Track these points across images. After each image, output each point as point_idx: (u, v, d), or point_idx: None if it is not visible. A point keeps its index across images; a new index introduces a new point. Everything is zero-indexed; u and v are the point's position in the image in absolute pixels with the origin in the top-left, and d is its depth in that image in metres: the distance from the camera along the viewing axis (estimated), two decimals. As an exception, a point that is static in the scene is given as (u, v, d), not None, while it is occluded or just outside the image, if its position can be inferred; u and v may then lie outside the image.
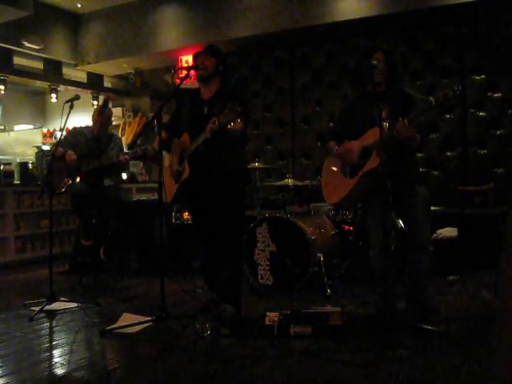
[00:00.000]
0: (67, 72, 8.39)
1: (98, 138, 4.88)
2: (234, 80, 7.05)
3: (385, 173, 2.96)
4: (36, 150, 6.99)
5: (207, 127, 3.21)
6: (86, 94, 8.31)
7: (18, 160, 7.26)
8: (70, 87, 8.31)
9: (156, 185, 3.34)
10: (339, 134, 3.51)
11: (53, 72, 8.02)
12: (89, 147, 4.82)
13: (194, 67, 3.47)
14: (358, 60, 3.38)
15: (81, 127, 5.18)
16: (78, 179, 4.75)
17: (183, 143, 3.54)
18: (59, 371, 2.68)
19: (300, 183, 4.85)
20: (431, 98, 2.93)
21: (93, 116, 4.94)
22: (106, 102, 5.14)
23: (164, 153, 3.64)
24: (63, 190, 4.72)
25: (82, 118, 5.10)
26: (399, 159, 3.19)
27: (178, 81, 7.03)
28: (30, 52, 7.35)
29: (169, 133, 3.66)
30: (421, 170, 3.52)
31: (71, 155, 4.70)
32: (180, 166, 3.55)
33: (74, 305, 3.95)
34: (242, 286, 3.66)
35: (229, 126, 3.12)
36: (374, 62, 3.13)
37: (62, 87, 8.27)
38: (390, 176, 2.98)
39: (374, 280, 3.40)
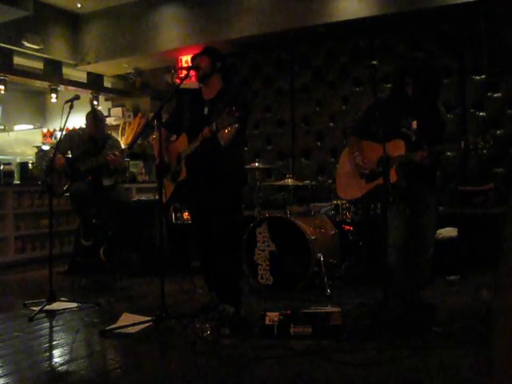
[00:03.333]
0: (67, 72, 8.39)
1: (93, 139, 4.89)
2: (236, 80, 7.05)
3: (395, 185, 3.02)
4: (36, 150, 6.98)
5: (203, 132, 3.23)
6: (85, 94, 8.31)
7: (18, 160, 7.26)
8: (69, 87, 8.31)
9: (156, 185, 3.35)
10: (361, 129, 3.53)
11: (53, 72, 8.01)
12: (85, 147, 4.84)
13: (193, 67, 3.48)
14: (394, 77, 3.36)
15: (77, 128, 5.21)
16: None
17: (181, 143, 3.54)
18: (59, 371, 2.67)
19: (300, 183, 4.85)
20: (462, 142, 2.99)
21: (86, 121, 4.95)
22: (93, 106, 5.13)
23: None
24: (62, 192, 4.75)
25: (81, 118, 5.11)
26: (415, 175, 3.24)
27: (178, 81, 7.03)
28: (30, 52, 7.34)
29: (168, 130, 3.68)
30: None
31: (60, 159, 4.73)
32: (177, 166, 3.55)
33: (74, 305, 3.95)
34: (242, 286, 3.66)
35: (226, 131, 3.11)
36: (374, 63, 3.14)
37: (61, 87, 8.26)
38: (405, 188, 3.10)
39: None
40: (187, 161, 3.46)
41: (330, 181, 5.03)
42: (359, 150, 3.46)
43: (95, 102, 8.50)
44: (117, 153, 4.52)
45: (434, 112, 3.29)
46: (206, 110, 3.47)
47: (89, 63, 7.93)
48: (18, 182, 6.42)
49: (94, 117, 4.90)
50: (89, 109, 5.21)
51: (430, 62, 3.37)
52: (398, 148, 3.17)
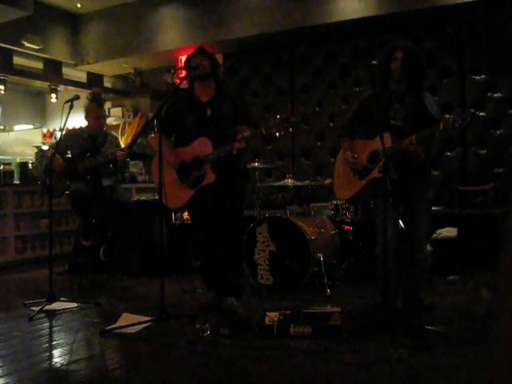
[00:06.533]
0: (67, 72, 8.39)
1: (93, 137, 4.86)
2: (235, 80, 7.06)
3: (389, 180, 3.00)
4: (36, 150, 6.97)
5: (235, 144, 3.32)
6: (85, 94, 8.29)
7: (18, 160, 7.25)
8: (69, 87, 8.30)
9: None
10: (352, 129, 3.55)
11: (53, 72, 8.01)
12: (84, 146, 4.81)
13: (194, 67, 3.47)
14: (381, 57, 3.36)
15: (77, 128, 5.19)
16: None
17: (198, 148, 3.52)
18: (59, 371, 2.67)
19: (300, 183, 4.85)
20: (441, 123, 2.99)
21: (87, 115, 4.90)
22: (94, 97, 4.99)
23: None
24: (61, 193, 4.74)
25: (81, 118, 5.10)
26: (405, 167, 3.23)
27: (177, 81, 7.03)
28: (29, 52, 7.33)
29: (165, 133, 3.67)
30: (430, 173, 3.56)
31: (58, 159, 4.68)
32: (198, 171, 3.53)
33: (73, 305, 3.95)
34: (243, 284, 3.68)
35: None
36: (374, 63, 3.14)
37: (61, 87, 8.25)
38: (397, 182, 3.06)
39: (377, 277, 3.43)
40: (213, 166, 3.47)
41: (328, 180, 5.00)
42: (351, 150, 3.48)
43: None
44: (124, 150, 4.52)
45: (419, 102, 3.28)
46: (208, 112, 3.51)
47: (89, 63, 7.93)
48: (17, 182, 6.42)
49: (98, 105, 4.86)
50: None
51: (418, 49, 3.38)
52: (385, 140, 3.17)
